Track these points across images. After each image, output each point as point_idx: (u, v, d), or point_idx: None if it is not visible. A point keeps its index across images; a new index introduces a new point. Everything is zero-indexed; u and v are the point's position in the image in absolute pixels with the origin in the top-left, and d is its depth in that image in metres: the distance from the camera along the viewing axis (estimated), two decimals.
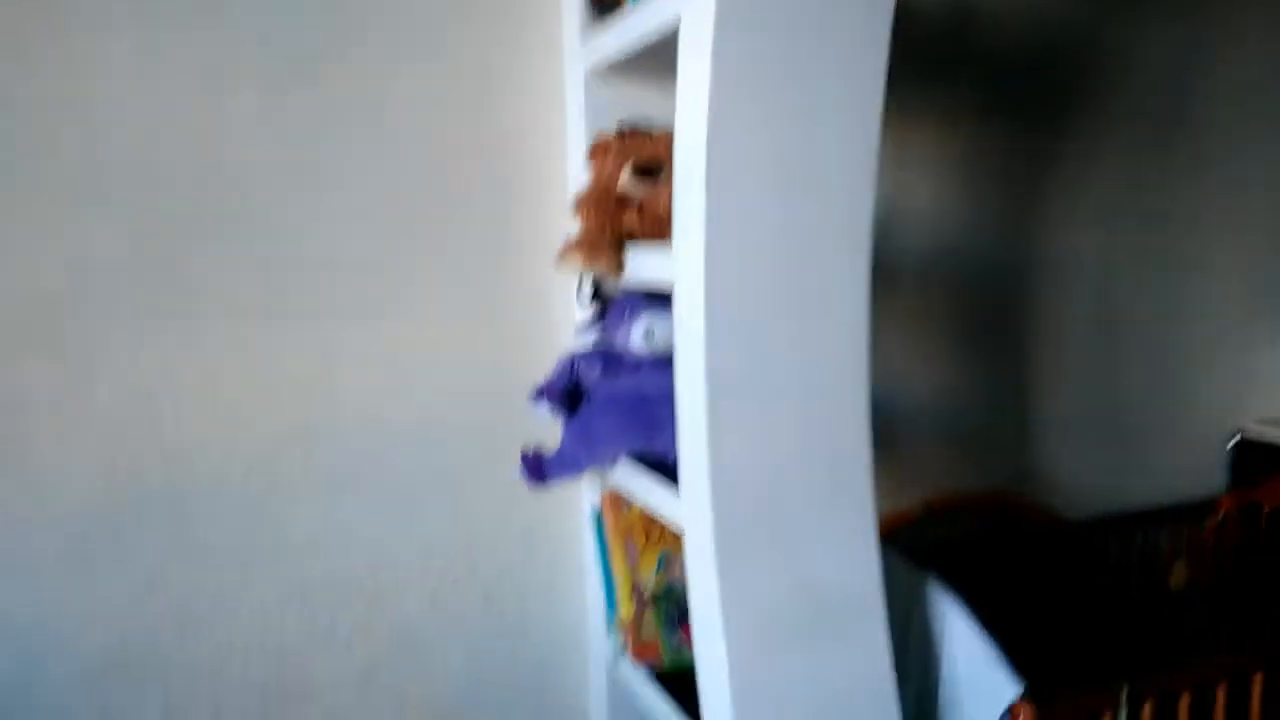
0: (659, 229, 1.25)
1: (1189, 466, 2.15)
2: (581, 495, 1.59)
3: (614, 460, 1.39)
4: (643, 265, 1.26)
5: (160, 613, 1.38)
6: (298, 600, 1.46)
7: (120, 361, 1.33)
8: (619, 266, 1.32)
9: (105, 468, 1.33)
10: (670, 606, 1.45)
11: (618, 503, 1.48)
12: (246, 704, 1.44)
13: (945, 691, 1.29)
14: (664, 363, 1.28)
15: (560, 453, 1.41)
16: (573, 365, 1.41)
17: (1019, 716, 1.17)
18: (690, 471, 1.14)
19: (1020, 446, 2.00)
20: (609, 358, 1.41)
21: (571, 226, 1.34)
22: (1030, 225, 1.97)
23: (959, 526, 1.89)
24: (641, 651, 1.43)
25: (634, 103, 1.46)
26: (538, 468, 1.42)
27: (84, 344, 1.31)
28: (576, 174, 1.48)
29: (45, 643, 1.32)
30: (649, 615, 1.45)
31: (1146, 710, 1.25)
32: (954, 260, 1.88)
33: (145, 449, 1.36)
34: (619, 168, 1.31)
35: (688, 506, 1.17)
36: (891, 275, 1.80)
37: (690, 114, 1.06)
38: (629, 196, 1.31)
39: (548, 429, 1.43)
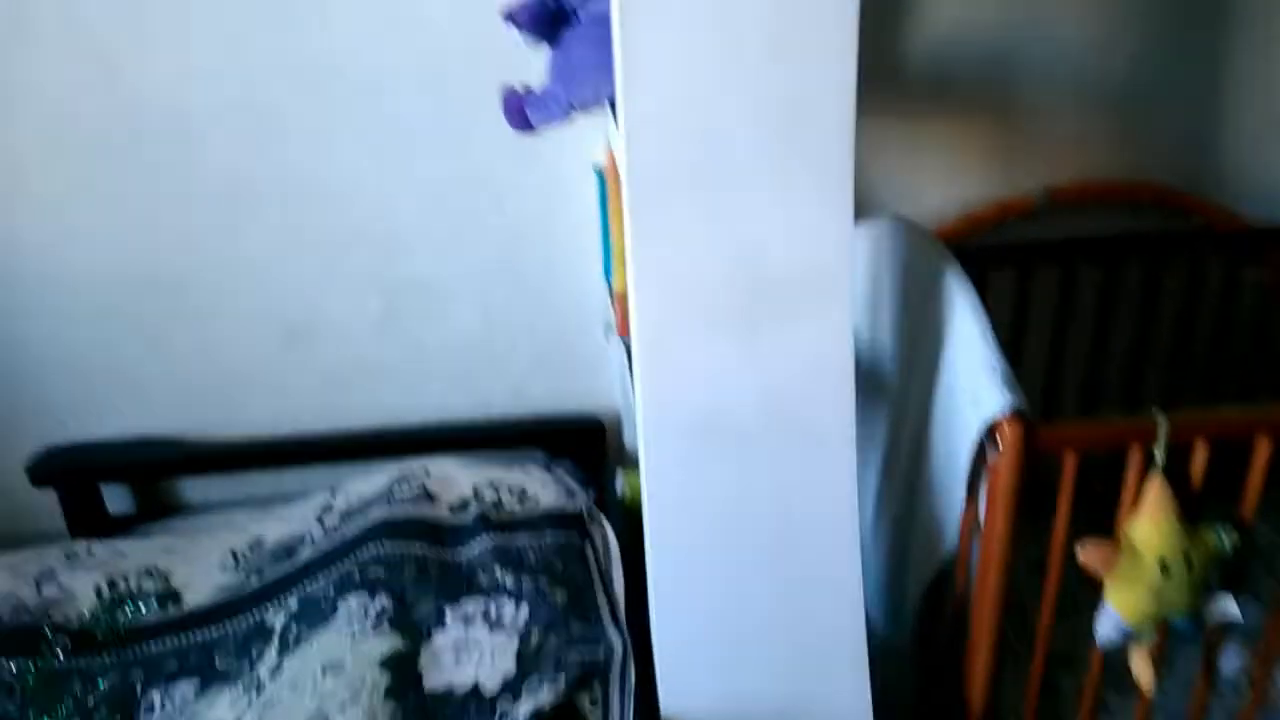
0: None
1: None
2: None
3: (600, 101, 1.18)
4: None
5: (168, 244, 1.42)
6: (308, 242, 1.45)
7: None
8: None
9: (98, 78, 1.33)
10: None
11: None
12: (268, 334, 1.50)
13: (941, 400, 1.07)
14: None
15: (542, 90, 1.22)
16: None
17: (1000, 434, 0.94)
18: (621, 104, 0.93)
19: (1203, 127, 1.53)
20: None
21: None
22: None
23: (1093, 222, 1.52)
24: (627, 328, 1.30)
25: None
26: (519, 108, 1.25)
27: None
28: None
29: (45, 265, 1.41)
30: None
31: (1199, 454, 0.97)
32: None
33: (138, 70, 1.33)
34: None
35: (619, 147, 0.97)
36: None
37: None
38: None
39: None
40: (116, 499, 1.55)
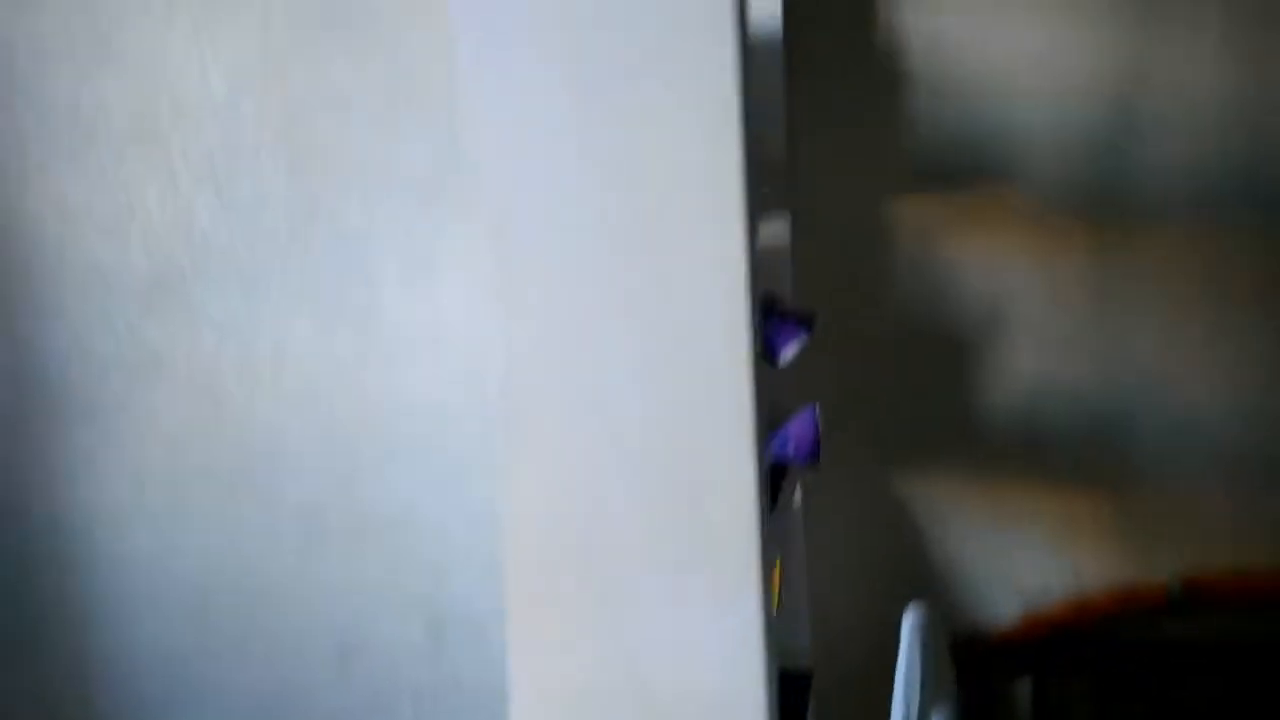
0: None
1: None
2: None
3: None
4: None
5: (251, 561, 1.53)
6: (366, 565, 1.50)
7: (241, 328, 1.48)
8: None
9: (210, 414, 1.50)
10: None
11: None
12: (324, 651, 1.53)
13: None
14: None
15: None
16: None
17: None
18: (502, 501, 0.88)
19: None
20: None
21: None
22: None
23: (1239, 623, 1.19)
24: None
25: None
26: None
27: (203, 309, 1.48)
28: None
29: (152, 575, 1.55)
30: None
31: None
32: (1262, 177, 1.16)
33: (244, 407, 1.49)
34: None
35: None
36: (1141, 204, 1.19)
37: None
38: None
39: None
40: None
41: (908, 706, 1.09)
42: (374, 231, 1.39)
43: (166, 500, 1.55)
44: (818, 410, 1.06)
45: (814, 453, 1.06)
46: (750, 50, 0.77)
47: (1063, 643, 1.24)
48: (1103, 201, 1.19)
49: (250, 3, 1.35)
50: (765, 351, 1.10)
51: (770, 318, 1.10)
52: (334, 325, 1.44)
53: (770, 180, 1.13)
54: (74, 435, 1.55)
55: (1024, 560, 1.28)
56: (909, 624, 1.12)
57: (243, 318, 1.47)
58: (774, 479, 1.05)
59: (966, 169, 1.21)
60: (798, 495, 1.27)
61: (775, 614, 1.23)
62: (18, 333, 1.52)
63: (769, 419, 1.16)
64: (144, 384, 1.52)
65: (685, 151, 0.74)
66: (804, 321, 1.09)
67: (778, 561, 1.24)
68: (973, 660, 1.29)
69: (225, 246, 1.44)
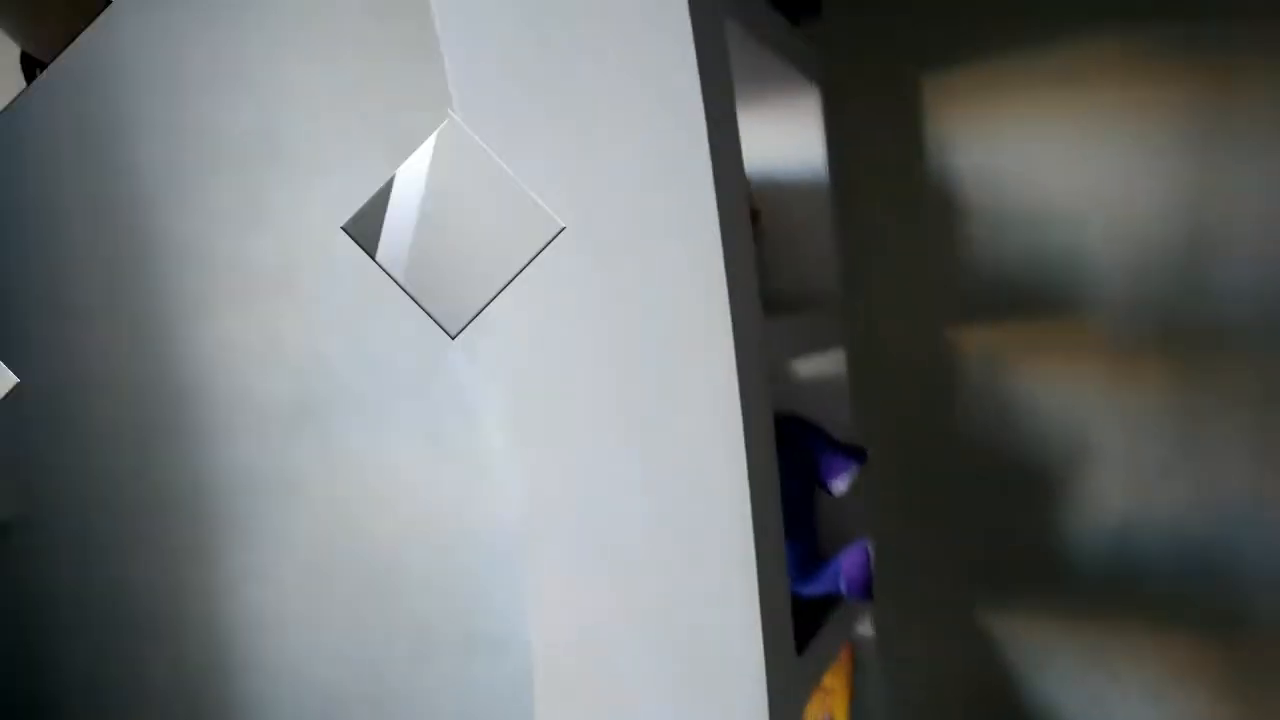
0: None
1: None
2: None
3: None
4: None
5: (364, 673, 1.64)
6: (478, 687, 1.58)
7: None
8: None
9: (342, 532, 1.65)
10: None
11: None
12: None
13: None
14: None
15: None
16: None
17: None
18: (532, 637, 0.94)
19: None
20: None
21: None
22: None
23: None
24: None
25: None
26: None
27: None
28: None
29: (279, 680, 1.68)
30: None
31: None
32: None
33: (371, 525, 1.63)
34: None
35: None
36: (1220, 327, 1.14)
37: None
38: None
39: None
40: None
41: None
42: (483, 378, 1.52)
43: (302, 611, 1.70)
44: (869, 544, 1.05)
45: (866, 587, 1.05)
46: (738, 181, 0.83)
47: None
48: (1180, 327, 1.14)
49: (382, 167, 1.55)
50: (819, 484, 1.12)
51: (821, 450, 1.12)
52: (445, 459, 1.57)
53: (823, 314, 1.16)
54: (225, 551, 1.74)
55: (1125, 709, 1.19)
56: None
57: (369, 449, 1.62)
58: (817, 614, 1.05)
59: (1031, 298, 1.19)
60: (869, 630, 1.24)
61: None
62: (183, 457, 1.75)
63: (815, 554, 1.16)
64: (285, 504, 1.69)
65: (674, 290, 0.80)
66: (854, 453, 1.10)
67: (846, 701, 1.21)
68: None
69: (357, 385, 1.61)
